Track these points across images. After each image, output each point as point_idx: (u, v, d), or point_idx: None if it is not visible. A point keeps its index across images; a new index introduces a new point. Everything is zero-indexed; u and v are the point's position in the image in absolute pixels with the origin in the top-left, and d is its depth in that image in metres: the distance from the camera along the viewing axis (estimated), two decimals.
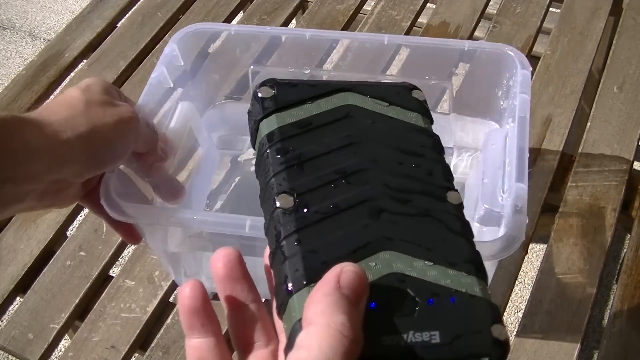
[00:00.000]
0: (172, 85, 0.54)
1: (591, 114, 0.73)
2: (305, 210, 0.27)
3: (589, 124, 0.72)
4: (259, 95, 0.32)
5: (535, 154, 0.69)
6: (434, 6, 0.85)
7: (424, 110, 0.33)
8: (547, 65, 0.77)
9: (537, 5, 0.84)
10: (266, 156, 0.29)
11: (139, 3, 0.88)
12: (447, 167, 0.31)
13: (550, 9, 0.85)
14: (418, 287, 0.25)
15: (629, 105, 0.73)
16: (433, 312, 0.24)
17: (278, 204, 0.27)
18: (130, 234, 0.48)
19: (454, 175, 0.30)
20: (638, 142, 0.70)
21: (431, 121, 0.33)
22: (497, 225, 0.46)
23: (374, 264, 0.26)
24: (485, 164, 0.54)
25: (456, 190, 0.29)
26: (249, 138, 0.32)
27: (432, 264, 0.26)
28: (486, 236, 0.48)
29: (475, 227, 0.49)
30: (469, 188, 0.60)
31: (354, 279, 0.23)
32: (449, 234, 0.28)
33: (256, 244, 0.44)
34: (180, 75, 0.56)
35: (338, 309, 0.22)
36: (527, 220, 0.42)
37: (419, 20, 0.86)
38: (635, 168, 0.69)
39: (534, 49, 0.80)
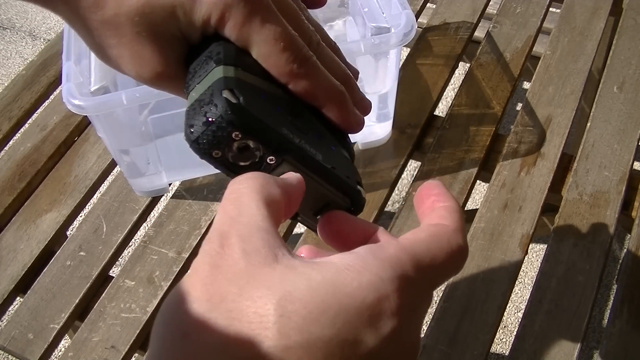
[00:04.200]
0: None
1: (591, 114, 0.73)
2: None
3: (589, 124, 0.72)
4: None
5: (535, 154, 0.69)
6: (434, 6, 0.85)
7: None
8: (547, 65, 0.77)
9: (537, 5, 0.84)
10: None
11: None
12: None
13: (550, 9, 0.85)
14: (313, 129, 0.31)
15: (629, 105, 0.73)
16: (317, 143, 0.30)
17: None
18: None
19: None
20: (638, 142, 0.70)
21: None
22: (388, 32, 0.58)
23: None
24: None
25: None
26: None
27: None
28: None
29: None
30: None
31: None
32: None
33: None
34: None
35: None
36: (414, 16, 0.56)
37: (419, 20, 0.86)
38: (635, 168, 0.69)
39: (534, 49, 0.80)
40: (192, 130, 0.27)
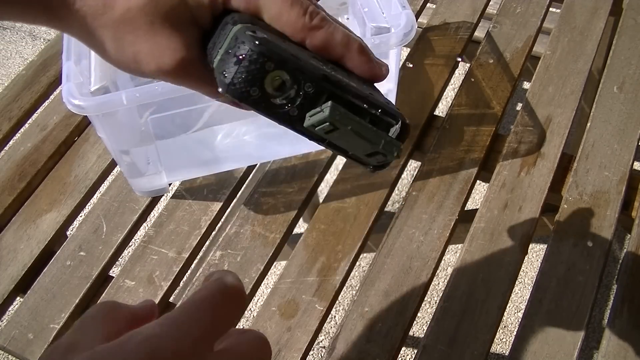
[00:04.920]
0: None
1: (591, 114, 0.73)
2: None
3: (589, 124, 0.72)
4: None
5: (535, 154, 0.69)
6: (434, 6, 0.85)
7: None
8: (547, 65, 0.77)
9: (537, 5, 0.84)
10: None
11: None
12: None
13: (550, 9, 0.85)
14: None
15: (629, 105, 0.73)
16: (348, 76, 0.29)
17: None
18: None
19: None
20: (638, 142, 0.70)
21: None
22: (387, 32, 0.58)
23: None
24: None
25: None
26: None
27: None
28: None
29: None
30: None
31: None
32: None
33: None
34: None
35: None
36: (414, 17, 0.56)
37: (419, 20, 0.86)
38: (635, 168, 0.69)
39: (534, 49, 0.80)
40: (225, 74, 0.27)
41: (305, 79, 0.27)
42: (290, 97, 0.27)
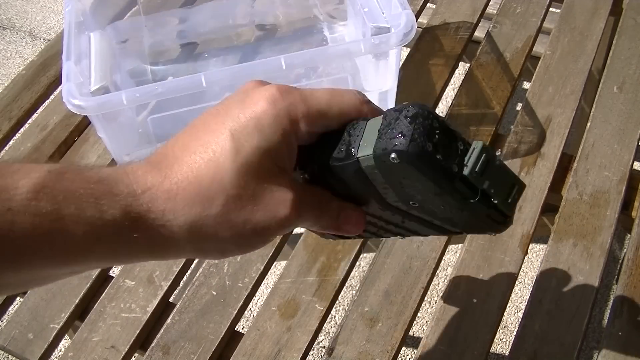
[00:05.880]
0: (82, 18, 0.57)
1: (591, 114, 0.73)
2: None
3: (589, 124, 0.72)
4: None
5: (535, 154, 0.69)
6: (434, 6, 0.85)
7: None
8: (547, 65, 0.77)
9: (537, 5, 0.84)
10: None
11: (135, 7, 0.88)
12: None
13: (550, 9, 0.85)
14: None
15: (629, 105, 0.73)
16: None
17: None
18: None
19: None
20: (638, 142, 0.70)
21: None
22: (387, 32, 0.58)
23: None
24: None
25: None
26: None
27: None
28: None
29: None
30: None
31: None
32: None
33: None
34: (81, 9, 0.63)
35: None
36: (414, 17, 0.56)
37: (419, 20, 0.86)
38: (635, 168, 0.69)
39: (534, 49, 0.80)
40: (402, 135, 0.28)
41: (457, 138, 0.29)
42: (448, 154, 0.29)
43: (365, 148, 0.29)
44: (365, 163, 0.29)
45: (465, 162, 0.29)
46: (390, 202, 0.32)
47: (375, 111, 0.32)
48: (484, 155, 0.29)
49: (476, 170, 0.29)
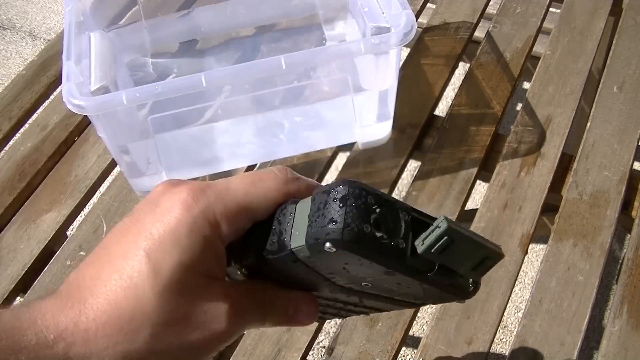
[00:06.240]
0: (82, 18, 0.58)
1: (591, 114, 0.73)
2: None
3: (589, 124, 0.72)
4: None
5: (535, 154, 0.69)
6: (434, 6, 0.85)
7: None
8: (547, 65, 0.77)
9: (537, 5, 0.84)
10: None
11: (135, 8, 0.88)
12: None
13: (550, 9, 0.85)
14: None
15: (629, 105, 0.73)
16: None
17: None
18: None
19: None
20: (638, 142, 0.70)
21: None
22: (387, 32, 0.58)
23: None
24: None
25: None
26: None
27: None
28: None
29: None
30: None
31: None
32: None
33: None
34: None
35: None
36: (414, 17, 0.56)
37: (419, 20, 0.86)
38: (635, 168, 0.69)
39: (534, 49, 0.80)
40: (334, 221, 0.25)
41: (400, 209, 0.26)
42: (392, 230, 0.26)
43: (297, 238, 0.26)
44: (301, 254, 0.26)
45: (422, 239, 0.26)
46: (342, 284, 0.29)
47: (307, 187, 0.29)
48: (445, 237, 0.26)
49: (433, 250, 0.26)
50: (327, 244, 0.25)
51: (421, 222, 0.26)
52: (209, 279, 0.27)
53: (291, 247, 0.27)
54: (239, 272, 0.31)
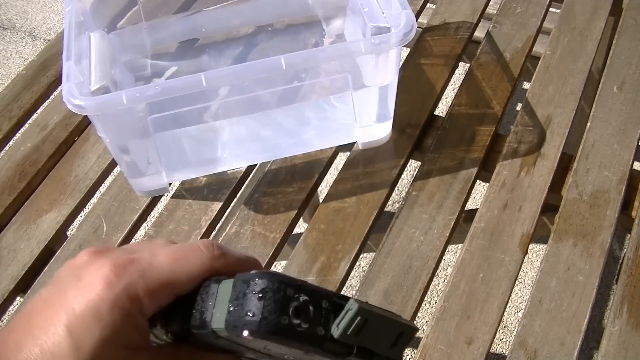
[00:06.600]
0: (82, 18, 0.58)
1: (591, 114, 0.73)
2: None
3: (589, 124, 0.72)
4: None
5: (535, 154, 0.69)
6: (434, 6, 0.85)
7: None
8: (547, 65, 0.77)
9: (537, 5, 0.84)
10: None
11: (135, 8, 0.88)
12: None
13: (550, 9, 0.85)
14: None
15: (629, 105, 0.73)
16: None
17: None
18: None
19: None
20: (638, 142, 0.70)
21: None
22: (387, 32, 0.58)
23: None
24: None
25: None
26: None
27: None
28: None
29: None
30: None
31: None
32: None
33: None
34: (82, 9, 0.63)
35: None
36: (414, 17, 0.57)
37: (419, 20, 0.86)
38: (635, 168, 0.69)
39: (534, 49, 0.80)
40: (250, 314, 0.26)
41: (321, 296, 0.27)
42: (311, 317, 0.27)
43: (218, 319, 0.27)
44: (222, 334, 0.28)
45: (337, 324, 0.27)
46: (265, 356, 0.30)
47: (235, 262, 0.30)
48: (358, 318, 0.27)
49: (348, 332, 0.27)
50: (245, 332, 0.26)
51: (343, 307, 0.28)
52: (132, 351, 0.28)
53: (212, 327, 0.28)
54: (164, 337, 0.31)
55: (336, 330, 0.27)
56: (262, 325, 0.26)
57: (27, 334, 0.27)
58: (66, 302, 0.27)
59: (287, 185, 0.68)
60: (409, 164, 0.71)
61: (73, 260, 0.30)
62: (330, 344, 0.27)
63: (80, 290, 0.27)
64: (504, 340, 1.23)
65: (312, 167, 0.69)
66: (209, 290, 0.29)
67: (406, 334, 0.28)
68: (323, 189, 1.16)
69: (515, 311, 1.27)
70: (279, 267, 0.68)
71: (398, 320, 0.28)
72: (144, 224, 0.69)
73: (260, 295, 0.26)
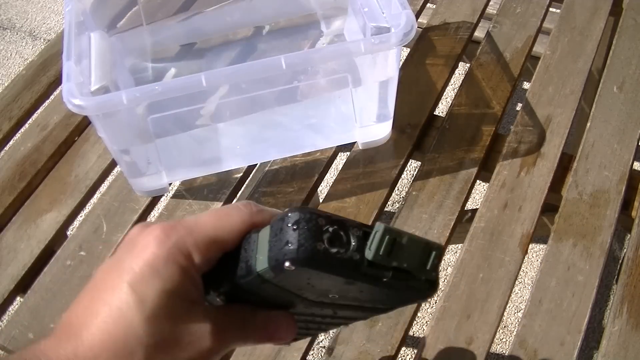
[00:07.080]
0: (82, 18, 0.58)
1: (591, 114, 0.73)
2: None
3: (589, 124, 0.72)
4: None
5: (535, 154, 0.69)
6: (434, 6, 0.85)
7: None
8: (547, 65, 0.77)
9: (537, 5, 0.84)
10: None
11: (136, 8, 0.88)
12: None
13: (550, 9, 0.85)
14: None
15: (629, 105, 0.73)
16: None
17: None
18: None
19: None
20: (638, 142, 0.70)
21: None
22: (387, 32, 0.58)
23: None
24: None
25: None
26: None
27: None
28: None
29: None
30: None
31: None
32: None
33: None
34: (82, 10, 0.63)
35: None
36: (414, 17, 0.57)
37: (419, 20, 0.86)
38: (635, 168, 0.69)
39: (534, 49, 0.80)
40: (289, 244, 0.28)
41: (351, 226, 0.29)
42: (345, 243, 0.29)
43: (261, 261, 0.29)
44: (266, 275, 0.29)
45: (369, 247, 0.28)
46: (312, 299, 0.32)
47: (271, 217, 0.32)
48: (387, 237, 0.28)
49: (381, 252, 0.28)
50: (287, 264, 0.28)
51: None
52: (190, 303, 0.30)
53: (257, 270, 0.29)
54: (217, 300, 0.33)
55: (369, 253, 0.28)
56: (300, 251, 0.27)
57: (95, 298, 0.30)
58: (125, 265, 0.30)
59: (287, 185, 0.68)
60: (409, 163, 0.71)
61: (127, 235, 0.32)
62: (366, 268, 0.28)
63: (137, 253, 0.30)
64: (504, 340, 1.23)
65: (312, 167, 0.69)
66: (250, 239, 0.31)
67: (436, 252, 0.30)
68: (323, 189, 1.16)
69: (515, 311, 1.27)
70: None
71: (423, 238, 0.30)
72: None
73: (295, 227, 0.28)
